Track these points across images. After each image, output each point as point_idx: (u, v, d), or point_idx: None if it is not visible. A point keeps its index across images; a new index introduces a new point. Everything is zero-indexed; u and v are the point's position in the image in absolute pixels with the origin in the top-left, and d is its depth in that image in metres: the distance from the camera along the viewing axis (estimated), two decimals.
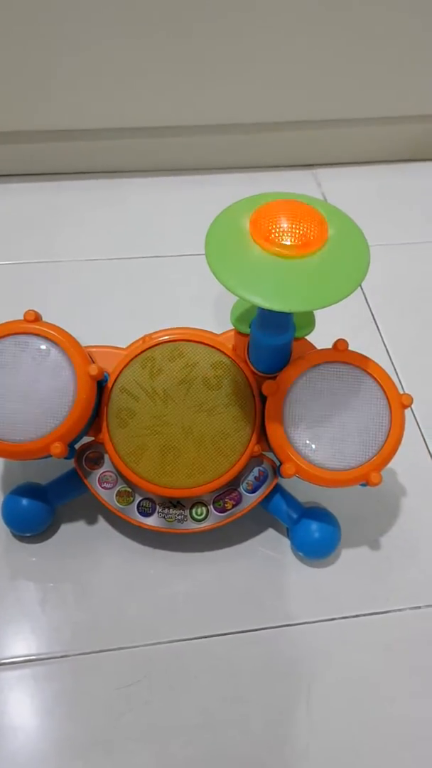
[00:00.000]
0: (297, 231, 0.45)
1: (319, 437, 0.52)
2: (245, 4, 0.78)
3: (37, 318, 0.53)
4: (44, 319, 0.54)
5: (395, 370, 0.73)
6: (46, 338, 0.53)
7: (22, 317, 0.54)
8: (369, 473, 0.51)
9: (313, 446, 0.52)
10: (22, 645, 0.54)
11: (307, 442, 0.52)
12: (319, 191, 0.95)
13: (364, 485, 0.53)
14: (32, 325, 0.53)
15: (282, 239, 0.45)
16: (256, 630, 0.56)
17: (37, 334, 0.53)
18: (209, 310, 0.78)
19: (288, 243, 0.45)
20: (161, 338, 0.55)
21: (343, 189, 0.95)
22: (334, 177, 0.97)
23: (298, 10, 0.80)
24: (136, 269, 0.83)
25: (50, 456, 0.52)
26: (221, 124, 0.91)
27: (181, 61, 0.82)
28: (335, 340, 0.54)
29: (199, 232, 0.87)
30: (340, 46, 0.84)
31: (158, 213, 0.90)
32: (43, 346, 0.53)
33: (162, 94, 0.85)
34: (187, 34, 0.80)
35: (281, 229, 0.45)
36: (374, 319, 0.78)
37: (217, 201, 0.90)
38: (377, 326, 0.78)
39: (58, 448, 0.51)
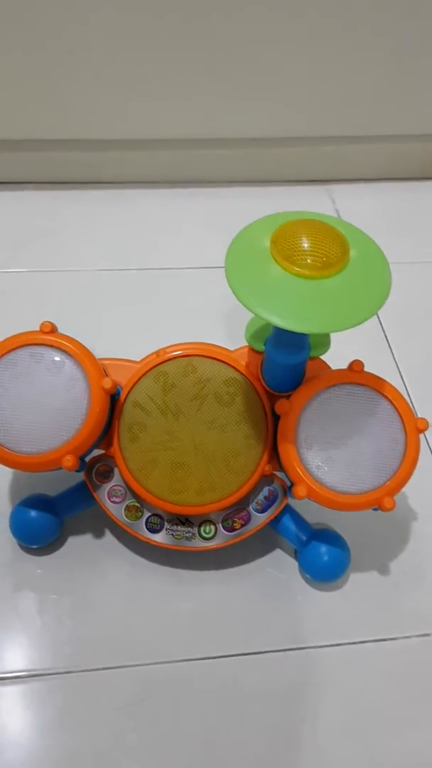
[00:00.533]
0: (318, 251, 0.44)
1: (332, 459, 0.51)
2: (260, 19, 0.78)
3: (53, 329, 0.53)
4: (57, 328, 0.54)
5: (408, 392, 0.72)
6: (61, 350, 0.52)
7: (35, 327, 0.54)
8: (382, 498, 0.51)
9: (326, 468, 0.51)
10: (23, 659, 0.54)
11: (320, 463, 0.52)
12: (333, 207, 0.95)
13: (376, 510, 0.52)
14: (48, 336, 0.53)
15: (303, 259, 0.44)
16: (261, 653, 0.55)
17: (53, 346, 0.52)
18: (222, 325, 0.77)
19: (309, 263, 0.44)
20: (175, 353, 0.55)
21: (358, 206, 0.95)
22: (348, 193, 0.97)
23: (312, 27, 0.80)
24: (149, 280, 0.83)
25: (61, 468, 0.52)
26: (235, 138, 0.91)
27: (194, 74, 0.83)
28: (351, 360, 0.53)
29: (213, 245, 0.87)
30: (356, 63, 0.84)
31: (172, 225, 0.90)
32: (58, 358, 0.52)
33: (177, 107, 0.85)
34: (200, 48, 0.80)
35: (302, 249, 0.45)
36: (387, 340, 0.78)
37: (231, 214, 0.91)
38: (390, 347, 0.77)
39: (69, 461, 0.51)
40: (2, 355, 0.53)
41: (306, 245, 0.44)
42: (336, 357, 0.56)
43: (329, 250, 0.44)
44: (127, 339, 0.68)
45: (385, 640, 0.56)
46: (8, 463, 0.52)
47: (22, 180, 0.92)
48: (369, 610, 0.58)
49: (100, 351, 0.55)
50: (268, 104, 0.87)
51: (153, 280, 0.83)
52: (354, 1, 0.78)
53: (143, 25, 0.77)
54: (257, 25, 0.79)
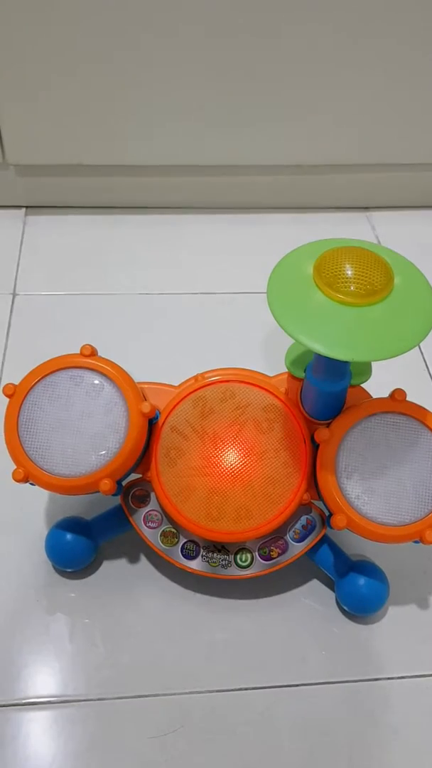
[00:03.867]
0: (362, 278, 0.44)
1: (372, 490, 0.50)
2: (305, 45, 0.79)
3: (93, 353, 0.53)
4: (97, 351, 0.54)
5: None
6: (101, 373, 0.53)
7: (75, 349, 0.54)
8: (424, 530, 0.50)
9: (366, 498, 0.51)
10: (55, 684, 0.53)
11: (360, 493, 0.51)
12: (373, 234, 0.94)
13: (417, 542, 0.51)
14: (88, 359, 0.53)
15: (346, 286, 0.44)
16: (297, 685, 0.54)
17: (92, 369, 0.53)
18: (261, 351, 0.77)
19: (352, 290, 0.44)
20: (213, 378, 0.55)
21: (398, 233, 0.94)
22: (388, 221, 0.97)
23: (357, 54, 0.80)
24: (187, 305, 0.83)
25: (97, 492, 0.52)
26: (276, 165, 0.91)
27: (238, 101, 0.83)
28: (392, 389, 0.52)
29: (251, 270, 0.87)
30: (398, 90, 0.84)
31: (212, 250, 0.90)
32: (97, 381, 0.52)
33: (220, 134, 0.86)
34: (246, 76, 0.81)
35: (346, 276, 0.44)
36: (428, 368, 0.77)
37: (271, 240, 0.91)
38: (431, 376, 0.76)
39: (107, 485, 0.51)
40: (42, 378, 0.53)
41: (350, 272, 0.44)
42: (376, 385, 0.55)
43: (373, 277, 0.44)
44: (165, 363, 0.68)
45: (424, 676, 0.55)
46: (45, 486, 0.52)
47: (66, 204, 0.93)
48: (408, 644, 0.56)
49: (139, 375, 0.55)
50: (309, 131, 0.87)
51: (193, 304, 0.83)
52: (396, 27, 0.79)
53: (191, 53, 0.79)
54: (301, 51, 0.80)
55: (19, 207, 0.93)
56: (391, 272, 0.45)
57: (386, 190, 0.97)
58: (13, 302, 0.81)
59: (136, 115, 0.84)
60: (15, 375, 0.54)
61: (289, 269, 0.46)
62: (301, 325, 0.43)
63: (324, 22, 0.77)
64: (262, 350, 0.77)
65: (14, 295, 0.82)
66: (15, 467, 0.52)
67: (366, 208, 0.98)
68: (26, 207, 0.93)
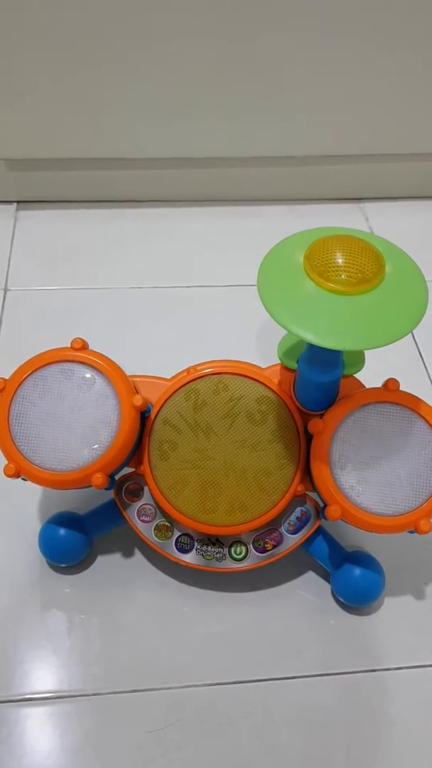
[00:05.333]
0: (353, 267, 0.44)
1: (366, 480, 0.50)
2: (296, 37, 0.78)
3: (84, 346, 0.53)
4: (88, 344, 0.54)
5: None
6: (92, 367, 0.52)
7: (67, 343, 0.53)
8: (419, 520, 0.49)
9: (360, 489, 0.50)
10: (51, 679, 0.53)
11: (354, 484, 0.50)
12: (366, 225, 0.94)
13: (412, 532, 0.50)
14: (79, 353, 0.52)
15: (337, 275, 0.43)
16: (293, 678, 0.54)
17: (83, 362, 0.52)
18: (252, 342, 0.77)
19: (343, 279, 0.43)
20: (206, 370, 0.54)
21: (391, 224, 0.94)
22: (382, 212, 0.96)
23: (348, 45, 0.80)
24: (180, 298, 0.83)
25: (90, 486, 0.51)
26: (269, 157, 0.91)
27: (230, 94, 0.83)
28: (386, 379, 0.52)
29: (244, 263, 0.86)
30: (390, 81, 0.84)
31: (203, 243, 0.90)
32: (89, 375, 0.52)
33: (212, 126, 0.85)
34: (237, 68, 0.80)
35: (337, 265, 0.44)
36: (422, 357, 0.76)
37: (263, 233, 0.90)
38: (425, 364, 0.76)
39: (99, 479, 0.50)
40: (33, 372, 0.52)
41: (340, 261, 0.44)
42: (369, 375, 0.55)
43: (364, 265, 0.44)
44: (158, 356, 0.68)
45: (421, 666, 0.55)
46: (37, 480, 0.52)
47: (58, 198, 0.93)
48: (405, 635, 0.56)
49: (131, 368, 0.55)
50: (303, 122, 0.86)
51: (185, 297, 0.83)
52: (389, 18, 0.78)
53: (184, 45, 0.78)
54: (293, 43, 0.79)
55: (10, 202, 0.93)
56: (383, 260, 0.45)
57: (380, 181, 0.97)
58: (4, 297, 0.81)
59: (128, 108, 0.83)
60: (7, 370, 0.54)
61: (279, 258, 0.46)
62: (292, 315, 0.43)
63: (318, 13, 0.77)
64: (255, 342, 0.77)
65: (6, 290, 0.82)
66: (6, 462, 0.52)
67: (359, 199, 0.98)
68: (17, 202, 0.93)
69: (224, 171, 0.93)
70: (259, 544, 0.55)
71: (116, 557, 0.59)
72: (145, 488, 0.56)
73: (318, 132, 0.88)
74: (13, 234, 0.89)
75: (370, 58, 0.81)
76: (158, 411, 0.54)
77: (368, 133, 0.89)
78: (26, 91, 0.80)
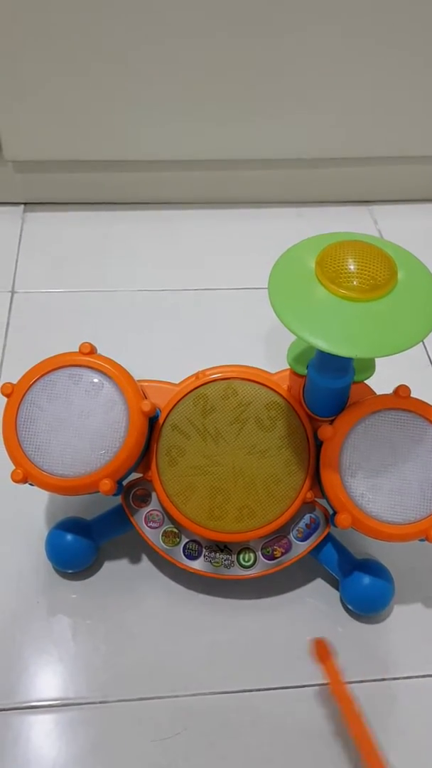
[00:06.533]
0: (365, 273, 0.43)
1: (377, 488, 0.50)
2: (301, 37, 0.78)
3: (93, 350, 0.53)
4: (97, 349, 0.53)
5: None
6: (100, 371, 0.52)
7: (74, 347, 0.53)
8: (429, 529, 0.49)
9: (371, 497, 0.50)
10: (57, 687, 0.53)
11: (365, 491, 0.50)
12: (375, 228, 0.93)
13: (423, 540, 0.50)
14: (87, 357, 0.52)
15: (349, 281, 0.43)
16: (302, 686, 0.53)
17: (92, 367, 0.52)
18: (262, 346, 0.76)
19: (355, 285, 0.43)
20: (214, 375, 0.54)
21: (400, 227, 0.93)
22: (390, 214, 0.96)
23: (357, 46, 0.79)
24: (187, 301, 0.82)
25: (98, 492, 0.51)
26: (276, 159, 0.90)
27: (239, 96, 0.82)
28: (396, 385, 0.52)
29: (252, 265, 0.86)
30: (399, 83, 0.83)
31: (210, 245, 0.90)
32: (97, 380, 0.52)
33: (220, 128, 0.85)
34: (243, 70, 0.80)
35: (348, 271, 0.43)
36: None
37: (271, 235, 0.90)
38: None
39: (107, 485, 0.50)
40: (41, 377, 0.52)
41: (352, 267, 0.43)
42: (379, 381, 0.54)
43: (376, 271, 0.43)
44: (166, 360, 0.67)
45: (430, 676, 0.54)
46: (44, 486, 0.51)
47: (65, 201, 0.93)
48: (414, 644, 0.55)
49: (138, 372, 0.54)
50: (310, 124, 0.86)
51: (193, 300, 0.82)
52: (399, 19, 0.78)
53: (189, 47, 0.78)
54: (301, 43, 0.79)
55: (17, 204, 0.92)
56: (395, 267, 0.44)
57: (388, 183, 0.96)
58: (11, 300, 0.81)
59: (134, 110, 0.83)
60: (14, 373, 0.54)
61: (290, 264, 0.46)
62: (303, 322, 0.42)
63: (324, 14, 0.76)
64: (263, 346, 0.76)
65: (13, 292, 0.82)
66: (14, 467, 0.51)
67: (368, 202, 0.97)
68: (24, 203, 0.93)
69: (232, 173, 0.92)
70: (268, 552, 0.54)
71: (123, 563, 0.59)
72: (153, 494, 0.55)
73: (326, 134, 0.88)
74: (21, 236, 0.88)
75: (379, 59, 0.81)
76: (166, 416, 0.54)
77: (377, 135, 0.88)
78: (34, 94, 0.80)
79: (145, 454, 0.54)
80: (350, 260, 0.43)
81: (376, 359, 0.56)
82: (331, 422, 0.52)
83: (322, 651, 0.53)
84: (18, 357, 0.74)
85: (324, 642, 0.53)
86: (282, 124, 0.86)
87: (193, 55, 0.78)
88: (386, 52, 0.80)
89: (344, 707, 0.49)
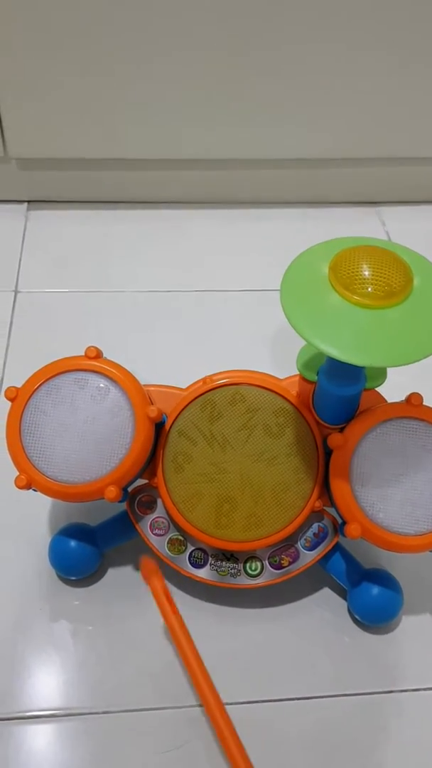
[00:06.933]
0: (380, 279, 0.42)
1: (388, 498, 0.49)
2: (309, 35, 0.77)
3: (98, 355, 0.52)
4: (99, 347, 0.52)
5: None
6: (107, 376, 0.51)
7: (77, 347, 0.52)
8: None
9: (382, 507, 0.49)
10: (59, 696, 0.52)
11: (375, 502, 0.49)
12: (383, 230, 0.92)
13: None
14: (93, 362, 0.51)
15: (363, 288, 0.42)
16: (308, 698, 0.52)
17: (97, 372, 0.51)
18: (269, 350, 0.75)
19: (370, 292, 0.42)
20: (222, 380, 0.53)
21: (408, 229, 0.92)
22: (399, 216, 0.95)
23: (365, 46, 0.78)
24: (194, 303, 0.81)
25: (102, 498, 0.50)
26: (284, 159, 0.89)
27: (243, 94, 0.81)
28: (409, 393, 0.51)
29: (258, 266, 0.85)
30: (409, 83, 0.82)
31: (216, 246, 0.89)
32: (103, 385, 0.51)
33: (228, 128, 0.84)
34: (254, 71, 0.79)
35: (363, 277, 0.42)
36: None
37: (278, 236, 0.89)
38: None
39: (112, 492, 0.49)
40: (46, 381, 0.51)
41: (367, 273, 0.42)
42: (390, 388, 0.53)
43: (392, 278, 0.42)
44: (172, 364, 0.67)
45: None
46: (48, 493, 0.51)
47: (68, 199, 0.91)
48: (423, 655, 0.54)
49: (144, 376, 0.53)
50: (316, 124, 0.85)
51: (200, 302, 0.81)
52: (408, 20, 0.77)
53: (194, 45, 0.77)
54: (309, 42, 0.78)
55: (20, 202, 0.91)
56: (411, 273, 0.43)
57: (396, 184, 0.95)
58: (15, 300, 0.80)
59: (139, 108, 0.82)
60: (17, 373, 0.53)
61: (303, 269, 0.45)
62: (316, 328, 0.42)
63: (331, 13, 0.75)
64: (270, 349, 0.75)
65: (16, 292, 0.81)
66: (17, 473, 0.50)
67: (375, 203, 0.96)
68: (28, 201, 0.92)
69: (237, 173, 0.91)
70: (275, 561, 0.53)
71: (127, 570, 0.58)
72: (159, 501, 0.54)
73: (333, 134, 0.87)
74: (24, 235, 0.87)
75: (388, 59, 0.80)
76: (173, 422, 0.53)
77: (385, 135, 0.88)
78: (37, 91, 0.79)
79: (151, 460, 0.53)
80: (365, 266, 0.42)
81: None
82: (341, 430, 0.51)
83: (148, 568, 0.51)
84: (21, 357, 0.73)
85: (150, 560, 0.52)
86: (287, 124, 0.85)
87: (199, 53, 0.77)
88: (395, 52, 0.79)
89: (169, 627, 0.48)
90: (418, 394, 0.50)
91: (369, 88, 0.82)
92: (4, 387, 0.68)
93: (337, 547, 0.55)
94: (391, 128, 0.87)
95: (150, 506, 0.54)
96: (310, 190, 0.94)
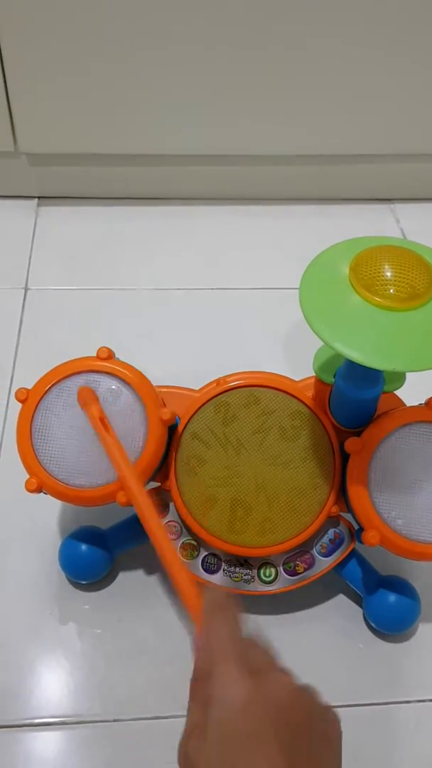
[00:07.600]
0: (403, 281, 0.41)
1: (407, 504, 0.47)
2: (322, 29, 0.76)
3: (110, 356, 0.50)
4: (110, 347, 0.51)
5: None
6: (119, 377, 0.50)
7: (87, 346, 0.51)
8: None
9: (400, 513, 0.47)
10: (69, 703, 0.51)
11: (394, 509, 0.48)
12: (397, 227, 0.91)
13: None
14: (105, 363, 0.50)
15: (386, 289, 0.41)
16: None
17: (110, 373, 0.50)
18: (284, 350, 0.74)
19: (392, 293, 0.40)
20: (236, 382, 0.52)
21: (424, 226, 0.91)
22: (414, 213, 0.93)
23: (377, 40, 0.77)
24: (206, 301, 0.80)
25: (114, 503, 0.49)
26: (297, 155, 0.88)
27: (259, 91, 0.80)
28: (429, 397, 0.49)
29: (272, 264, 0.84)
30: (422, 79, 0.81)
31: (229, 242, 0.87)
32: (115, 386, 0.50)
33: (240, 123, 0.83)
34: (266, 66, 0.78)
35: (385, 278, 0.41)
36: None
37: (292, 233, 0.88)
38: None
39: (124, 496, 0.48)
40: (57, 382, 0.50)
41: (389, 274, 0.41)
42: (408, 391, 0.52)
43: (415, 279, 0.41)
44: (181, 362, 0.65)
45: None
46: (59, 496, 0.50)
47: (79, 195, 0.90)
48: None
49: (156, 376, 0.52)
50: (330, 120, 0.84)
51: (213, 300, 0.80)
52: (423, 14, 0.75)
53: (207, 40, 0.75)
54: (322, 36, 0.76)
55: (31, 197, 0.90)
56: None
57: (411, 181, 0.94)
58: (25, 297, 0.79)
59: (150, 103, 0.80)
60: (27, 371, 0.52)
61: (323, 269, 0.43)
62: (337, 331, 0.40)
63: (348, 6, 0.74)
64: (285, 349, 0.74)
65: (26, 289, 0.80)
66: (28, 477, 0.49)
67: (390, 200, 0.95)
68: (38, 197, 0.90)
69: (250, 169, 0.90)
70: (290, 567, 0.52)
71: (138, 575, 0.57)
72: (171, 504, 0.53)
73: (348, 130, 0.85)
74: (34, 231, 0.86)
75: (401, 55, 0.79)
76: (186, 424, 0.51)
77: (400, 132, 0.86)
78: (48, 86, 0.78)
79: (164, 463, 0.52)
80: (387, 266, 0.41)
81: None
82: (359, 434, 0.49)
83: (85, 396, 0.48)
84: (31, 355, 0.72)
85: (88, 389, 0.49)
86: (303, 120, 0.83)
87: (212, 48, 0.76)
88: (409, 48, 0.78)
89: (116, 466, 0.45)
90: None
91: (383, 83, 0.81)
92: (15, 385, 0.67)
93: (353, 554, 0.54)
94: (405, 125, 0.85)
95: (162, 510, 0.53)
96: (324, 186, 0.93)
